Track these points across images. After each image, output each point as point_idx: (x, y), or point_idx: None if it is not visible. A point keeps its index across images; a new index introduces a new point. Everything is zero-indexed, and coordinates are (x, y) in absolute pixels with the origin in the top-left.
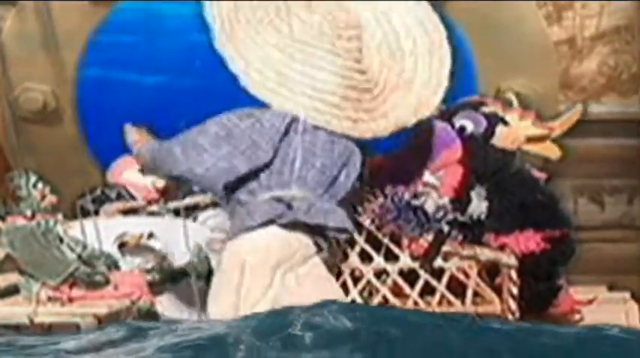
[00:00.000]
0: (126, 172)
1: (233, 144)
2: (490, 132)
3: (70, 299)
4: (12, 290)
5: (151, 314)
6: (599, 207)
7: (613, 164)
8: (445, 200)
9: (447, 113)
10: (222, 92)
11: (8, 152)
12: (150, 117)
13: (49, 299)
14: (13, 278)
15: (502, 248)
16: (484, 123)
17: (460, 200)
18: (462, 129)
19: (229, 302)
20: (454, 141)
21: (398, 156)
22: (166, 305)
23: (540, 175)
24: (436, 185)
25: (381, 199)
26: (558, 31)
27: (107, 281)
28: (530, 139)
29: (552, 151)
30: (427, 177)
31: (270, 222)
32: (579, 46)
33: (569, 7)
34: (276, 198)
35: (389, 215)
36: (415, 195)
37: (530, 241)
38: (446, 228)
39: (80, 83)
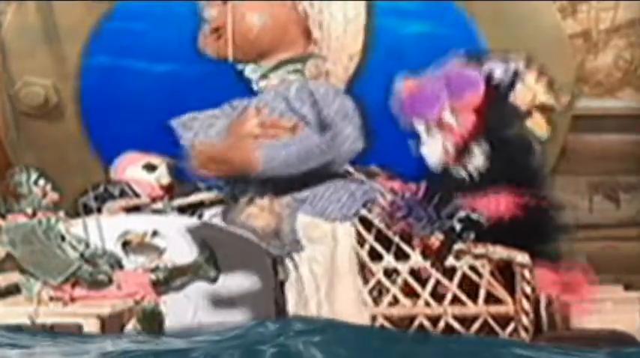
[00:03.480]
0: (129, 169)
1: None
2: (512, 85)
3: (72, 299)
4: (12, 290)
5: (155, 315)
6: (615, 205)
7: (629, 160)
8: (450, 145)
9: (474, 57)
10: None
11: (8, 148)
12: (159, 105)
13: (51, 299)
14: (13, 277)
15: (472, 210)
16: (511, 72)
17: (463, 149)
18: (490, 76)
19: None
20: (479, 84)
21: (428, 83)
22: (171, 305)
23: (536, 146)
24: (453, 126)
25: (390, 196)
26: (573, 24)
27: (110, 281)
28: (539, 107)
29: (540, 127)
30: (447, 116)
31: None
32: (594, 40)
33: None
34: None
35: (399, 212)
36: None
37: (500, 204)
38: (458, 226)
39: (84, 73)
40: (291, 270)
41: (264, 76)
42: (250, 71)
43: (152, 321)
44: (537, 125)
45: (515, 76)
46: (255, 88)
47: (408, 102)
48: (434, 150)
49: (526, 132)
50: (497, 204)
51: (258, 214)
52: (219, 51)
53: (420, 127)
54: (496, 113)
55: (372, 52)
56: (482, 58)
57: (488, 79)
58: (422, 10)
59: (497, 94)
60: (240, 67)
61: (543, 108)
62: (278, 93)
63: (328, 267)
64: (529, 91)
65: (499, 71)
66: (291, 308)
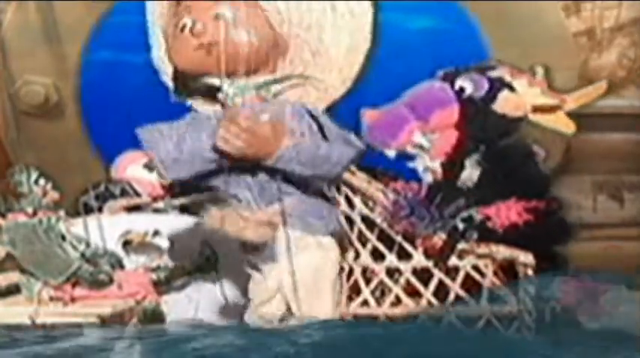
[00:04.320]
0: (130, 168)
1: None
2: (492, 96)
3: (73, 299)
4: (13, 290)
5: (156, 315)
6: (619, 204)
7: (633, 159)
8: (436, 163)
9: (450, 75)
10: None
11: (9, 147)
12: (161, 99)
13: (51, 298)
14: (13, 277)
15: (485, 220)
16: (486, 86)
17: (453, 165)
18: (461, 90)
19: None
20: (450, 102)
21: (391, 111)
22: (172, 305)
23: (539, 151)
24: (426, 147)
25: (392, 196)
26: (577, 22)
27: (111, 281)
28: (538, 109)
29: (566, 125)
30: (418, 137)
31: None
32: (598, 38)
33: None
34: None
35: (401, 212)
36: (406, 156)
37: (511, 211)
38: (461, 226)
39: (85, 68)
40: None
41: (239, 94)
42: (228, 86)
43: (153, 321)
44: (559, 122)
45: (496, 86)
46: (229, 103)
47: (372, 132)
48: (420, 170)
49: (527, 143)
50: (507, 212)
51: (246, 226)
52: (204, 66)
53: (391, 153)
54: (481, 125)
55: (378, 47)
56: (454, 76)
57: (460, 95)
58: (426, 7)
59: (475, 108)
60: (216, 81)
61: (548, 109)
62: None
63: (309, 277)
64: (519, 98)
65: (470, 86)
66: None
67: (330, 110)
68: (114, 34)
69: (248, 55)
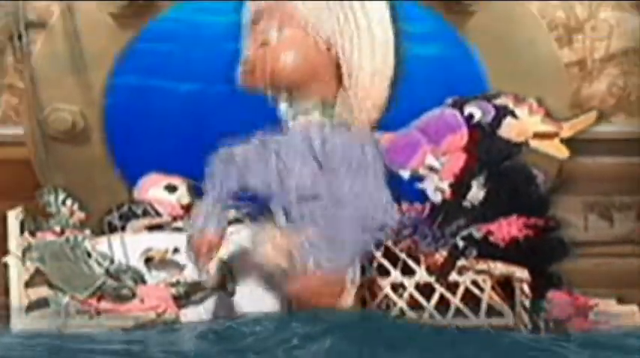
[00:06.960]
0: (152, 189)
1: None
2: (497, 122)
3: (98, 312)
4: (42, 304)
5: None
6: (609, 223)
7: (622, 181)
8: (445, 184)
9: (459, 102)
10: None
11: (38, 170)
12: (183, 126)
13: (78, 312)
14: (42, 291)
15: (487, 235)
16: (492, 112)
17: (460, 185)
18: (471, 116)
19: None
20: (460, 128)
21: (405, 135)
22: (191, 318)
23: (539, 174)
24: (438, 169)
25: (397, 216)
26: (569, 53)
27: (133, 295)
28: (538, 135)
29: (559, 151)
30: (430, 160)
31: None
32: (589, 68)
33: (579, 30)
34: None
35: (405, 231)
36: (418, 178)
37: (512, 226)
38: (461, 244)
39: (110, 93)
40: None
41: (294, 117)
42: (283, 111)
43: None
44: (554, 148)
45: (501, 113)
46: (291, 124)
47: (388, 154)
48: (429, 190)
49: (527, 166)
50: (509, 227)
51: (272, 255)
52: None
53: (405, 174)
54: (487, 149)
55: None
56: (463, 103)
57: (469, 120)
58: (428, 37)
59: (482, 132)
60: (273, 103)
61: (546, 136)
62: (305, 138)
63: None
64: (522, 124)
65: (478, 112)
66: None
67: None
68: (139, 59)
69: (292, 75)
